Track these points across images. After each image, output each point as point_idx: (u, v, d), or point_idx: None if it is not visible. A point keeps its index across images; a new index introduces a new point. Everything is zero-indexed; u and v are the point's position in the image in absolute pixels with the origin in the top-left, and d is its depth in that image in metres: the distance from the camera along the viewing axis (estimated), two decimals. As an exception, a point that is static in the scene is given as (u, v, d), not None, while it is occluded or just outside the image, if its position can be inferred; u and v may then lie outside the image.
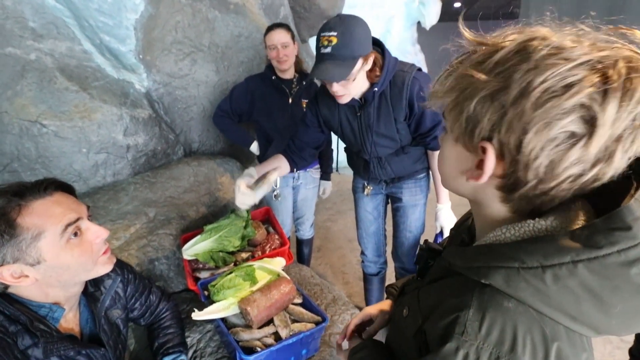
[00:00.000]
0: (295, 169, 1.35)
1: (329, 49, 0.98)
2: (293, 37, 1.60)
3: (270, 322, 1.01)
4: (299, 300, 1.10)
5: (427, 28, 4.28)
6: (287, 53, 1.58)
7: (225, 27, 1.86)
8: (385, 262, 1.65)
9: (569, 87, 0.30)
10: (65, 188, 0.73)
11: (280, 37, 1.55)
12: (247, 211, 1.38)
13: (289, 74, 1.68)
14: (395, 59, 1.15)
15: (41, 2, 1.56)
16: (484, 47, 0.36)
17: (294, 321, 1.02)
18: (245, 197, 1.09)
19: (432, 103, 0.40)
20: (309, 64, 2.19)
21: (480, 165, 0.36)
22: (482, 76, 0.34)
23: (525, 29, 0.35)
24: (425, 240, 0.57)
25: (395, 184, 1.40)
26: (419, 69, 1.15)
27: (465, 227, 0.51)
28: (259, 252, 1.33)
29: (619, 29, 0.33)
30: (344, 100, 1.12)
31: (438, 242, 1.34)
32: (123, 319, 0.91)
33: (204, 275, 1.26)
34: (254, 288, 1.04)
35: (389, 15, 4.48)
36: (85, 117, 1.56)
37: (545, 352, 0.33)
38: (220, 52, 1.88)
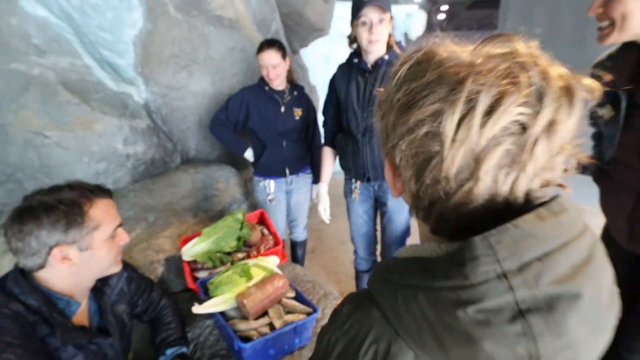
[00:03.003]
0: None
1: None
2: (284, 55, 1.70)
3: (265, 314, 1.09)
4: (291, 294, 1.18)
5: (414, 39, 4.46)
6: (277, 72, 1.68)
7: (219, 41, 1.97)
8: (376, 260, 1.74)
9: (418, 100, 0.30)
10: (112, 196, 0.88)
11: (270, 58, 1.64)
12: (243, 213, 1.46)
13: (281, 85, 1.78)
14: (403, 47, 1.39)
15: (44, 20, 1.65)
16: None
17: (288, 313, 1.10)
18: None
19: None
20: (299, 74, 2.29)
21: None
22: (380, 95, 0.37)
23: (424, 45, 0.34)
24: None
25: (381, 186, 1.49)
26: None
27: None
28: (254, 252, 1.41)
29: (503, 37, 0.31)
30: (379, 48, 1.32)
31: None
32: (127, 314, 0.99)
33: (202, 274, 1.34)
34: (250, 284, 1.12)
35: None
36: (87, 128, 1.64)
37: None
38: (215, 65, 1.98)
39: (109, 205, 0.83)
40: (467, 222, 0.31)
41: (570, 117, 0.29)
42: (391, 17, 1.31)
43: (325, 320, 1.26)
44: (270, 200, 1.90)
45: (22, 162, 1.57)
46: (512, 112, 0.27)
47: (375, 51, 1.34)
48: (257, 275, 1.17)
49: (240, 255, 1.40)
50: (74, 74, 1.71)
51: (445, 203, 0.32)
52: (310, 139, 1.94)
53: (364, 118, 1.39)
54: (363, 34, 1.31)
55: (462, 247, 0.28)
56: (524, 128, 0.28)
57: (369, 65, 1.37)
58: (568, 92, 0.28)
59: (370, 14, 1.27)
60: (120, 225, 0.85)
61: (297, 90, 1.83)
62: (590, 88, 0.29)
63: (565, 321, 0.26)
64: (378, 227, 1.68)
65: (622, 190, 0.92)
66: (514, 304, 0.26)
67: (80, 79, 1.72)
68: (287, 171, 1.86)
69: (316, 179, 2.01)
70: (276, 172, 1.87)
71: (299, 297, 1.18)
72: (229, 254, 1.40)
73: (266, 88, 1.76)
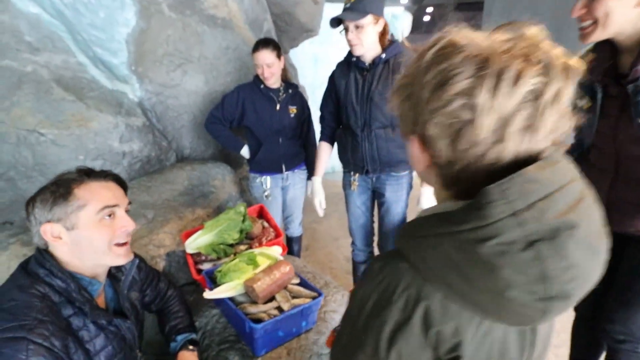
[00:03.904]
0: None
1: (349, 4, 1.35)
2: (279, 54, 1.75)
3: (272, 299, 1.13)
4: (296, 281, 1.23)
5: (400, 40, 4.61)
6: (272, 71, 1.73)
7: (213, 40, 2.00)
8: (373, 252, 1.81)
9: (450, 78, 0.35)
10: (121, 182, 0.87)
11: (264, 57, 1.69)
12: (244, 207, 1.50)
13: (276, 84, 1.83)
14: (401, 46, 1.44)
15: (36, 17, 1.63)
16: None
17: (293, 297, 1.15)
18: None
19: (392, 105, 0.45)
20: (292, 74, 2.35)
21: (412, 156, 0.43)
22: (402, 80, 0.41)
23: (443, 34, 0.39)
24: None
25: (379, 178, 1.56)
26: None
27: None
28: (257, 244, 1.45)
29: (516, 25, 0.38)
30: (358, 50, 1.39)
31: None
32: (140, 301, 1.01)
33: (206, 266, 1.36)
34: (257, 270, 1.16)
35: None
36: (82, 125, 1.64)
37: (413, 306, 0.38)
38: (209, 63, 2.01)
39: (103, 186, 0.81)
40: (491, 181, 0.36)
41: (569, 86, 0.36)
42: (377, 19, 1.37)
43: (328, 307, 1.33)
44: (266, 196, 1.94)
45: (15, 161, 1.55)
46: (529, 83, 0.34)
47: (357, 53, 1.40)
48: (263, 263, 1.21)
49: (242, 247, 1.44)
50: (68, 72, 1.70)
51: (477, 165, 0.37)
52: (305, 136, 1.99)
53: (363, 114, 1.46)
54: (346, 38, 1.40)
55: (478, 195, 0.34)
56: (536, 96, 0.34)
57: (367, 64, 1.44)
58: (567, 67, 0.36)
59: (347, 21, 1.35)
60: (116, 205, 0.81)
61: (292, 89, 1.88)
62: (579, 65, 0.37)
63: (566, 246, 0.33)
64: (375, 219, 1.75)
65: (600, 174, 1.02)
66: (525, 236, 0.33)
67: (74, 77, 1.71)
68: (284, 167, 1.90)
69: (311, 175, 2.07)
70: (272, 169, 1.91)
71: (303, 283, 1.23)
72: (231, 245, 1.43)
73: (261, 86, 1.80)
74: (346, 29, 1.39)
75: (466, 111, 0.35)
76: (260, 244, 1.44)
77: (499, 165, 0.37)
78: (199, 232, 1.42)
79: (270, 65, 1.71)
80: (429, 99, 0.37)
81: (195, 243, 1.38)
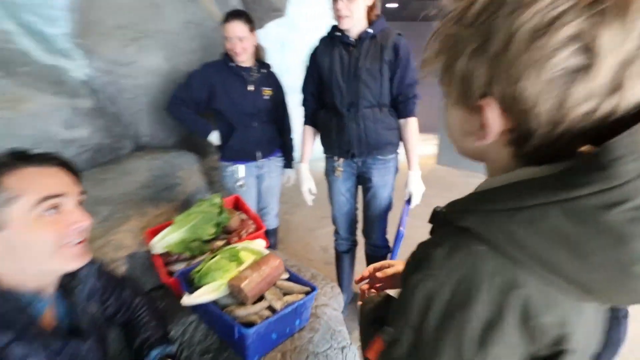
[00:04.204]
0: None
1: None
2: (252, 28, 1.59)
3: (261, 298, 1.00)
4: (286, 276, 1.11)
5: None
6: (244, 46, 1.56)
7: (174, 12, 1.77)
8: (355, 241, 1.74)
9: (553, 21, 0.28)
10: (70, 168, 0.68)
11: (236, 29, 1.52)
12: (220, 197, 1.34)
13: (249, 61, 1.67)
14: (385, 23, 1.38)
15: (-58, -28, 1.31)
16: (461, 3, 0.34)
17: (285, 294, 1.03)
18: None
19: (425, 72, 0.38)
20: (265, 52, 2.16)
21: (484, 124, 0.34)
22: (464, 31, 0.33)
23: None
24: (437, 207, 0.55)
25: (366, 162, 1.48)
26: None
27: None
28: (236, 238, 1.30)
29: None
30: (347, 23, 1.29)
31: (407, 209, 1.45)
32: (102, 313, 0.83)
33: (179, 267, 1.19)
34: (242, 268, 1.03)
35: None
36: (13, 107, 1.35)
37: (505, 297, 0.31)
38: (170, 39, 1.78)
39: (44, 173, 0.64)
40: (589, 142, 0.32)
41: None
42: None
43: (319, 301, 1.23)
44: (240, 186, 1.78)
45: None
46: None
47: (344, 26, 1.31)
48: (248, 259, 1.08)
49: (219, 243, 1.28)
50: (-10, 42, 1.39)
51: (583, 124, 0.31)
52: (280, 121, 1.85)
53: (350, 92, 1.36)
54: (333, 9, 1.29)
55: (601, 152, 0.28)
56: None
57: (353, 39, 1.34)
58: None
59: None
60: (62, 195, 0.64)
61: (265, 68, 1.73)
62: None
63: None
64: (358, 206, 1.68)
65: None
66: None
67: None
68: (259, 154, 1.75)
69: (288, 163, 1.93)
70: (246, 156, 1.75)
71: (293, 278, 1.11)
72: (207, 242, 1.27)
73: (231, 64, 1.63)
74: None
75: (580, 57, 0.28)
76: (240, 238, 1.29)
77: (609, 122, 0.30)
78: (168, 229, 1.24)
79: (243, 39, 1.54)
80: (525, 50, 0.29)
81: (164, 241, 1.20)
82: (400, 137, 1.43)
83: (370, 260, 1.70)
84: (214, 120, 1.75)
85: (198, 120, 1.69)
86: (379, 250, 1.63)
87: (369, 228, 1.60)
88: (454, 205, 0.39)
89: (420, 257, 0.37)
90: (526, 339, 0.32)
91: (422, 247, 0.38)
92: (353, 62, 1.34)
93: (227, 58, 1.63)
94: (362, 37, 1.32)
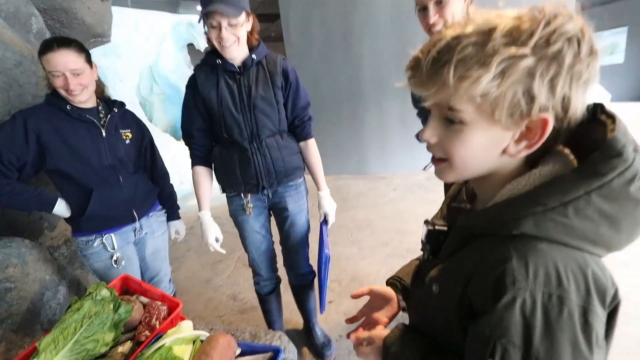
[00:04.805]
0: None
1: None
2: (89, 59, 1.23)
3: (224, 395, 0.78)
4: (238, 351, 0.90)
5: (202, 49, 4.37)
6: (81, 82, 1.19)
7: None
8: (279, 278, 1.61)
9: (593, 44, 0.37)
10: None
11: (67, 61, 1.14)
12: (105, 285, 0.97)
13: (90, 101, 1.29)
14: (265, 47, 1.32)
15: None
16: (479, 30, 0.37)
17: (249, 373, 0.84)
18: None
19: (446, 95, 0.39)
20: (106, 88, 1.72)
21: (526, 137, 0.39)
22: (526, 52, 0.35)
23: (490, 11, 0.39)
24: (426, 221, 0.56)
25: (276, 192, 1.38)
26: None
27: (461, 198, 0.54)
28: (146, 333, 0.96)
29: None
30: (233, 51, 1.19)
31: (325, 230, 1.43)
32: None
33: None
34: (184, 368, 0.77)
35: (160, 35, 4.20)
36: None
37: (584, 278, 0.36)
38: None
39: None
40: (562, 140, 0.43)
41: None
42: (248, 15, 1.20)
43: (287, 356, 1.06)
44: (116, 262, 1.36)
45: None
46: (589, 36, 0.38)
47: (230, 55, 1.21)
48: (185, 352, 0.81)
49: (123, 348, 0.92)
50: None
51: (575, 124, 0.40)
52: (151, 166, 1.52)
53: (248, 124, 1.24)
54: (213, 38, 1.17)
55: (610, 144, 0.36)
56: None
57: (237, 67, 1.23)
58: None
59: (218, 16, 1.12)
60: None
61: (117, 107, 1.38)
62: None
63: None
64: (274, 239, 1.55)
65: None
66: None
67: None
68: (135, 214, 1.38)
69: (172, 214, 1.60)
70: (118, 221, 1.35)
71: (246, 349, 0.92)
72: (103, 356, 0.89)
73: (68, 107, 1.22)
74: (215, 27, 1.14)
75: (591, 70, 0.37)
76: (154, 330, 0.97)
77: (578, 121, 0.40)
78: (31, 364, 0.80)
79: (78, 73, 1.18)
80: (584, 70, 0.36)
81: (31, 386, 0.77)
82: (303, 160, 1.42)
83: (296, 290, 1.61)
84: (56, 185, 1.27)
85: (27, 192, 1.19)
86: (304, 279, 1.56)
87: (291, 259, 1.50)
88: (493, 218, 0.41)
89: (496, 278, 0.38)
90: (603, 307, 0.37)
91: (486, 268, 0.40)
92: (245, 92, 1.24)
93: (59, 100, 1.21)
94: (247, 63, 1.24)
